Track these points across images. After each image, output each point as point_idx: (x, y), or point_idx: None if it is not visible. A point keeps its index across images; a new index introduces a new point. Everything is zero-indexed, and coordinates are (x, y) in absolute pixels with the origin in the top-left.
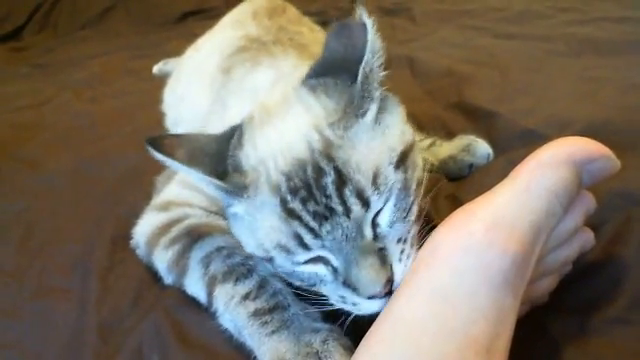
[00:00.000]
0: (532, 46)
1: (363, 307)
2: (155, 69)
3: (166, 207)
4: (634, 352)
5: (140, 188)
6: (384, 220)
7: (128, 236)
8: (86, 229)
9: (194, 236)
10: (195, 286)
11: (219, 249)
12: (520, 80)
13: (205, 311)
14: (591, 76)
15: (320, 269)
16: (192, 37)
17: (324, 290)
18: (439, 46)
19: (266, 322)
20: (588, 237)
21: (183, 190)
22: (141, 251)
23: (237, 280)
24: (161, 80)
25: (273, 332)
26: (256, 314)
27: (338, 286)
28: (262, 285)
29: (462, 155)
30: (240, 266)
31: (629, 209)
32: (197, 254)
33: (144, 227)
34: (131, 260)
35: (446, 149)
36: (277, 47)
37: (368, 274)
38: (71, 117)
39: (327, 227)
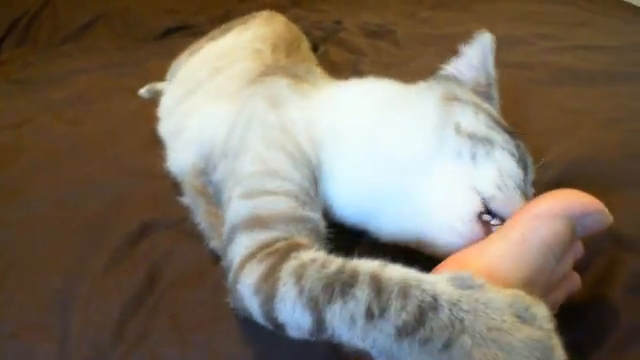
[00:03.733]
0: (513, 74)
1: None
2: (142, 91)
3: (260, 223)
4: None
5: (125, 216)
6: None
7: (110, 265)
8: (68, 261)
9: (291, 249)
10: (292, 313)
11: (314, 260)
12: (501, 111)
13: (197, 347)
14: (571, 108)
15: None
16: (174, 55)
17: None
18: (423, 71)
19: (427, 339)
20: (575, 281)
21: (263, 198)
22: (229, 276)
23: (344, 294)
24: (144, 100)
25: (447, 346)
26: (403, 333)
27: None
28: (379, 289)
29: None
30: (339, 274)
31: (614, 250)
32: (290, 264)
33: (239, 248)
34: (113, 287)
35: None
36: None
37: None
38: (51, 139)
39: None
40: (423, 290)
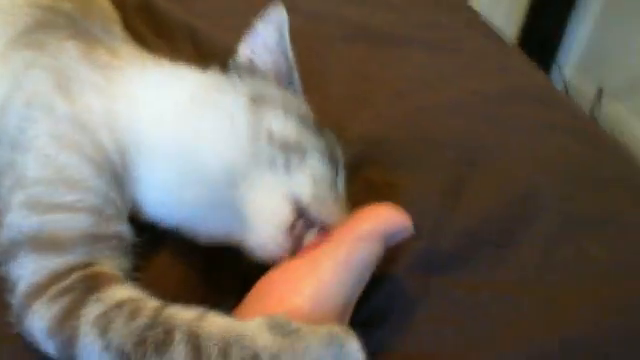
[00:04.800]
0: (308, 27)
1: None
2: None
3: (52, 246)
4: None
5: None
6: None
7: None
8: None
9: (91, 284)
10: None
11: (119, 305)
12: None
13: None
14: (364, 73)
15: None
16: None
17: None
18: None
19: None
20: None
21: (57, 215)
22: (15, 308)
23: (159, 353)
24: None
25: None
26: None
27: None
28: (198, 349)
29: None
30: (151, 329)
31: None
32: (91, 310)
33: (24, 272)
34: None
35: None
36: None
37: None
38: None
39: None
40: (243, 347)
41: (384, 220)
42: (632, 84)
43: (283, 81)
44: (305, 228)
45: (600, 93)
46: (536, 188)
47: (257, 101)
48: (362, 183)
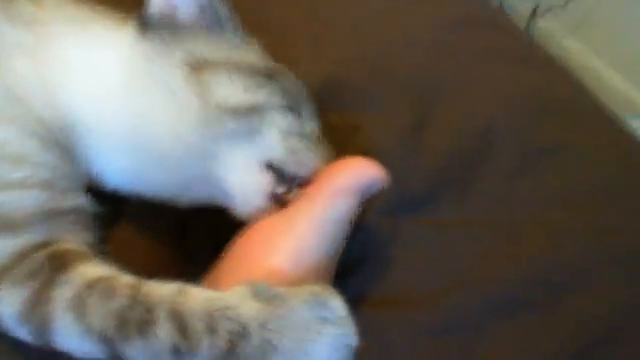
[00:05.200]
0: None
1: None
2: None
3: (8, 226)
4: None
5: None
6: None
7: None
8: None
9: (58, 263)
10: (78, 346)
11: (91, 286)
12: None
13: None
14: (317, 10)
15: None
16: None
17: None
18: None
19: None
20: None
21: (7, 193)
22: None
23: (142, 332)
24: None
25: None
26: None
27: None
28: (183, 327)
29: None
30: (131, 309)
31: None
32: (62, 292)
33: None
34: None
35: None
36: None
37: None
38: None
39: None
40: (230, 319)
41: (359, 174)
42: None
43: (214, 26)
44: (287, 185)
45: (535, 11)
46: (494, 120)
47: (195, 68)
48: (324, 128)
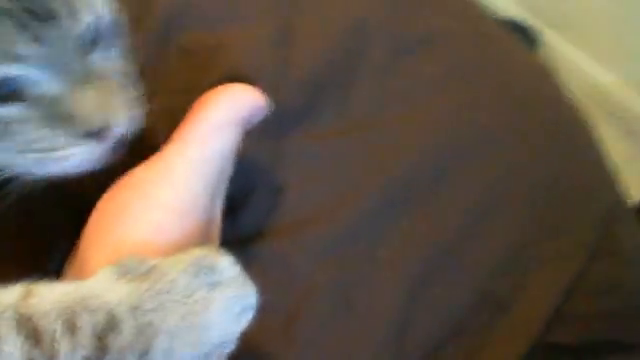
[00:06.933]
0: None
1: None
2: None
3: None
4: None
5: None
6: None
7: None
8: None
9: None
10: None
11: None
12: None
13: None
14: None
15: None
16: None
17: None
18: None
19: None
20: None
21: None
22: None
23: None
24: None
25: (145, 354)
26: None
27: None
28: (37, 335)
29: None
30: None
31: None
32: None
33: None
34: None
35: None
36: None
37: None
38: None
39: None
40: (92, 311)
41: (240, 103)
42: None
43: None
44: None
45: None
46: (363, 19)
47: None
48: (178, 54)
